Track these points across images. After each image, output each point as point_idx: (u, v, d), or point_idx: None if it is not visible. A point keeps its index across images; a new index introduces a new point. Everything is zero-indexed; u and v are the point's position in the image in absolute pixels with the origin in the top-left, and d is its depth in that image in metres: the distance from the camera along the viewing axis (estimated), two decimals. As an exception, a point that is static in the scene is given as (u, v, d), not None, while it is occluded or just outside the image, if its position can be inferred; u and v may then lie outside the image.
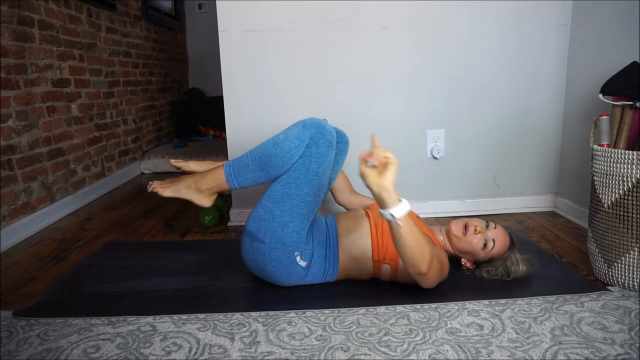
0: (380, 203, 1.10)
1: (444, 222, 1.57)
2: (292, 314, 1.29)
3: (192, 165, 1.50)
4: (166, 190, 1.40)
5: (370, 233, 1.42)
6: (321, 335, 1.18)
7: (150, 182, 1.41)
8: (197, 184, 1.39)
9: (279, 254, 1.35)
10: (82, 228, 2.13)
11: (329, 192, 1.69)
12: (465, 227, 1.44)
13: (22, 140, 2.03)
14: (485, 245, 1.42)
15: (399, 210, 1.10)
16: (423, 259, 1.18)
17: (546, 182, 2.21)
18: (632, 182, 1.32)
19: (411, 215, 1.49)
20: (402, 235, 1.13)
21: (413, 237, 1.14)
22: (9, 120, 1.95)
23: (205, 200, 1.41)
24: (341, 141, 1.58)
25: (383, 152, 1.08)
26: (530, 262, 1.47)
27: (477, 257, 1.45)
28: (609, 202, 1.38)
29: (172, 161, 1.47)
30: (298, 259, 1.37)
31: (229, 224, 2.12)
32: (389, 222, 1.13)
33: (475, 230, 1.42)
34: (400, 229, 1.12)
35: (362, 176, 1.08)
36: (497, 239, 1.42)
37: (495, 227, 1.44)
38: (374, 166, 1.07)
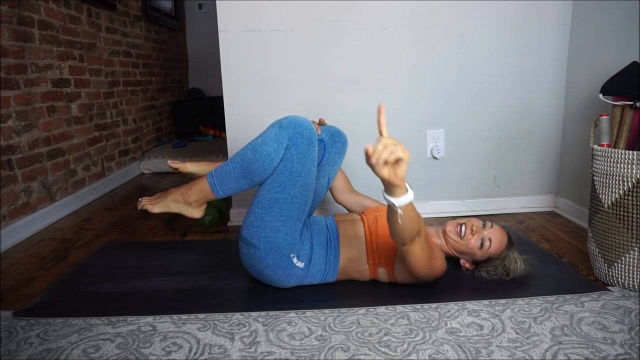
0: (387, 190, 1.06)
1: (444, 222, 1.57)
2: (292, 314, 1.29)
3: (189, 166, 1.50)
4: (155, 206, 1.39)
5: (364, 237, 1.43)
6: (321, 335, 1.18)
7: (140, 199, 1.41)
8: (185, 196, 1.38)
9: (275, 258, 1.35)
10: (82, 228, 2.13)
11: (329, 191, 1.69)
12: (461, 227, 1.43)
13: (22, 140, 2.03)
14: (482, 244, 1.41)
15: (402, 200, 1.07)
16: (410, 236, 1.17)
17: (546, 182, 2.21)
18: (632, 182, 1.32)
19: None
20: (399, 220, 1.11)
21: (408, 222, 1.12)
22: (9, 120, 1.95)
23: (195, 212, 1.41)
24: (339, 140, 1.58)
25: (391, 145, 0.97)
26: (530, 261, 1.47)
27: (475, 257, 1.45)
28: (609, 202, 1.38)
29: (170, 162, 1.46)
30: (295, 260, 1.37)
31: (229, 224, 2.13)
32: (389, 206, 1.11)
33: (472, 230, 1.42)
34: (399, 216, 1.10)
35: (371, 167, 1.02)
36: (493, 238, 1.41)
37: (492, 226, 1.44)
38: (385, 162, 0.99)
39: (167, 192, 1.42)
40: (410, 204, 1.10)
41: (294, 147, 1.30)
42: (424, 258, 1.25)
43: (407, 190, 1.07)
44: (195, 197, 1.38)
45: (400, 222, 1.11)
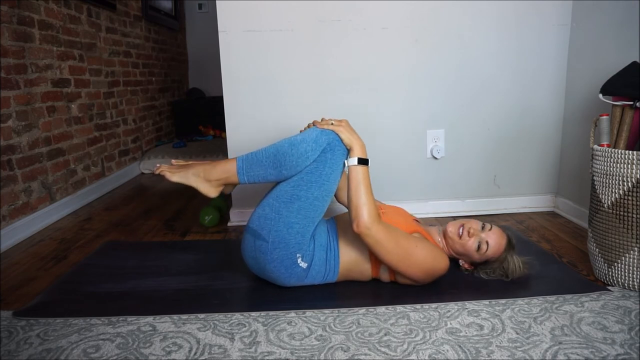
0: (350, 152, 1.37)
1: (444, 222, 1.57)
2: (292, 314, 1.29)
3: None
4: (174, 175, 1.40)
5: None
6: (321, 335, 1.18)
7: (158, 165, 1.42)
8: (206, 173, 1.40)
9: (280, 254, 1.35)
10: (82, 228, 2.13)
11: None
12: (461, 229, 1.43)
13: (22, 140, 2.03)
14: (479, 247, 1.41)
15: (349, 161, 1.36)
16: (353, 210, 1.32)
17: (546, 182, 2.21)
18: (632, 182, 1.32)
19: (407, 217, 1.50)
20: (352, 183, 1.34)
21: (353, 191, 1.33)
22: (9, 120, 1.95)
23: (211, 191, 1.42)
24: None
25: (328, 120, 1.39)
26: (529, 264, 1.47)
27: (472, 259, 1.45)
28: (609, 202, 1.38)
29: (174, 162, 1.47)
30: (299, 260, 1.37)
31: (229, 224, 2.12)
32: (350, 170, 1.35)
33: (469, 232, 1.42)
34: (351, 177, 1.34)
35: (337, 132, 1.36)
36: (491, 241, 1.41)
37: (490, 229, 1.43)
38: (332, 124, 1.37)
39: (188, 164, 1.44)
40: (355, 173, 1.34)
41: (330, 152, 1.35)
42: (389, 253, 1.31)
43: (356, 157, 1.35)
44: (217, 176, 1.40)
45: (352, 188, 1.33)
